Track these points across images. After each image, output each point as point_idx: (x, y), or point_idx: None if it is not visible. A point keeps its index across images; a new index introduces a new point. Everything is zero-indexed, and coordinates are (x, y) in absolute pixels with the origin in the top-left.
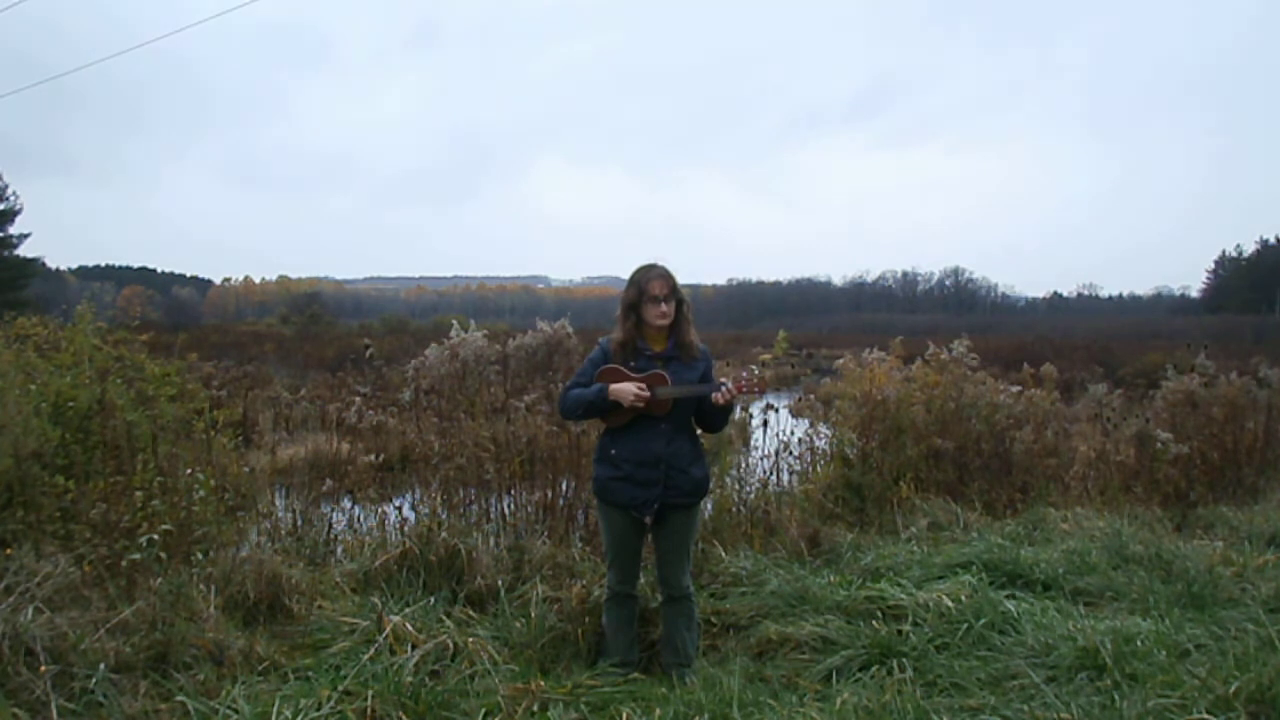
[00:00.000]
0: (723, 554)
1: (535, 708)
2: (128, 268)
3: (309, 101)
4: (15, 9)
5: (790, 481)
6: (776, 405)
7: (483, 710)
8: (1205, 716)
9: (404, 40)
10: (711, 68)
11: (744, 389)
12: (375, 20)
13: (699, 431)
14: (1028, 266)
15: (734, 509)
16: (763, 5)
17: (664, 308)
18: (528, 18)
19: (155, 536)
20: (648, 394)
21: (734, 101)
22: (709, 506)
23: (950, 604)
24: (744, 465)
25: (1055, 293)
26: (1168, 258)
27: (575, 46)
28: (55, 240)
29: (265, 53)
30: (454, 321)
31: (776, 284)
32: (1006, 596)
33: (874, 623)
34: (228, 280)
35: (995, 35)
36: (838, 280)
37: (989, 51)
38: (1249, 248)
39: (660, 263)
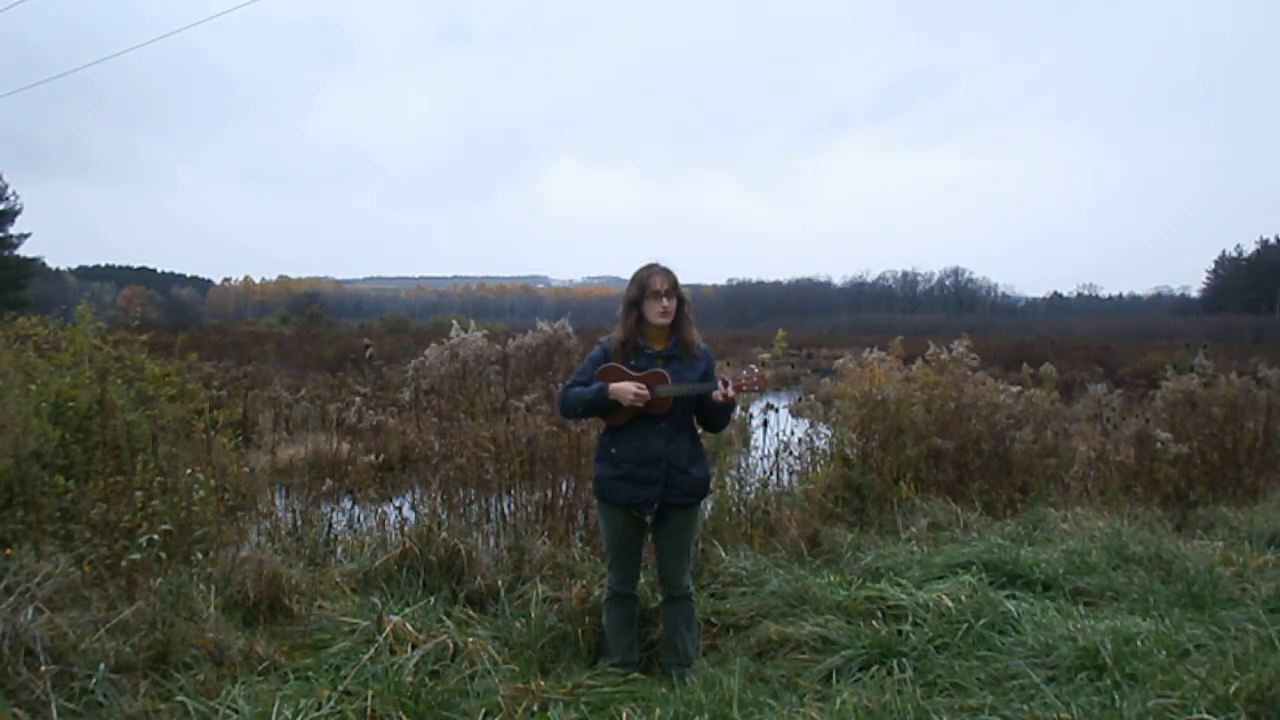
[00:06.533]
0: (723, 554)
1: (535, 708)
2: (128, 268)
3: (331, 100)
4: (29, 6)
5: (790, 481)
6: (776, 405)
7: (483, 710)
8: (1205, 716)
9: (430, 39)
10: (732, 66)
11: (744, 387)
12: (402, 19)
13: (700, 431)
14: (1028, 266)
15: (734, 509)
16: (786, 3)
17: (665, 303)
18: (556, 16)
19: (155, 536)
20: (647, 392)
21: (753, 101)
22: (709, 506)
23: (950, 604)
24: (744, 465)
25: (1055, 293)
26: (1168, 258)
27: (599, 45)
28: (67, 240)
29: (289, 50)
30: (454, 321)
31: (776, 284)
32: (1006, 596)
33: (874, 623)
34: (228, 280)
35: (1014, 36)
36: (838, 280)
37: (1007, 53)
38: (1249, 248)
39: (661, 262)
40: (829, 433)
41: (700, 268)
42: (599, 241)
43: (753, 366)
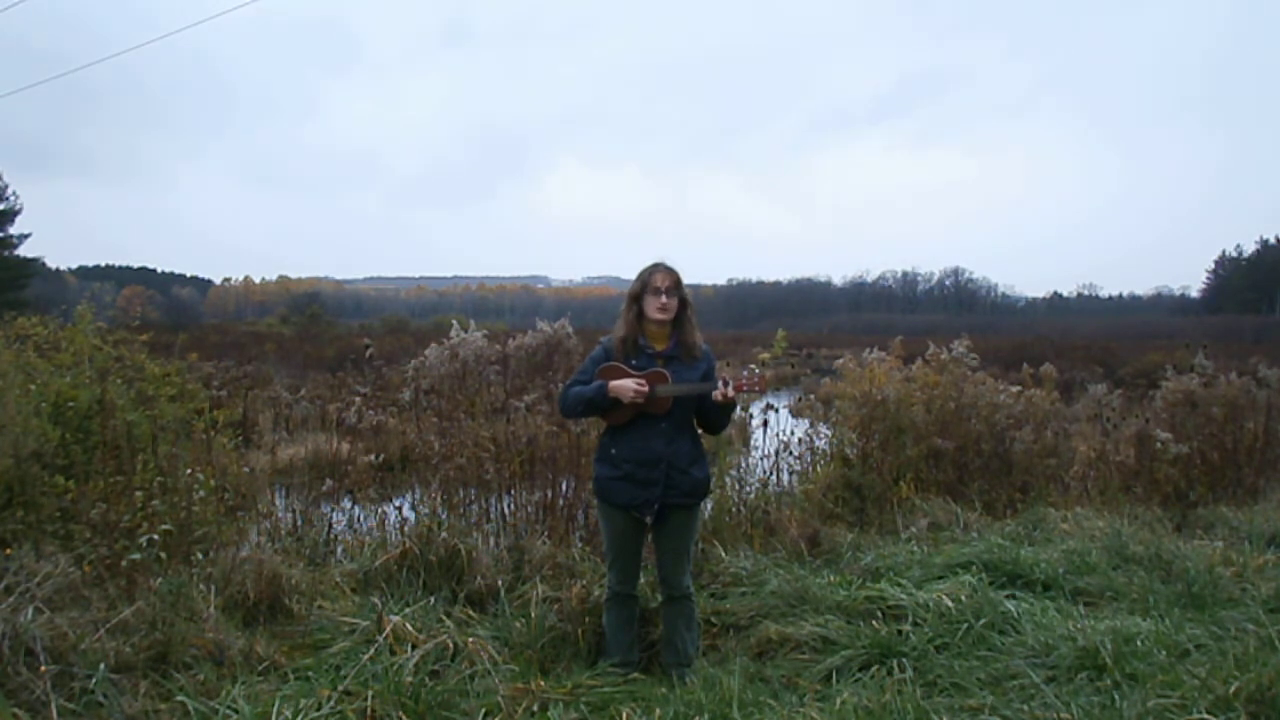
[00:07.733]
0: (723, 554)
1: (535, 708)
2: (128, 268)
3: (336, 101)
4: (29, 5)
5: (790, 481)
6: (776, 405)
7: (483, 710)
8: (1205, 716)
9: (435, 39)
10: (734, 67)
11: (744, 387)
12: (408, 19)
13: (700, 432)
14: (1028, 266)
15: (734, 509)
16: (788, 5)
17: (664, 299)
18: (559, 17)
19: (155, 536)
20: (646, 389)
21: (755, 102)
22: (709, 506)
23: (950, 604)
24: (744, 465)
25: (1055, 293)
26: (1168, 258)
27: (601, 47)
28: (67, 240)
29: (295, 51)
30: (454, 321)
31: (776, 284)
32: (1006, 596)
33: (874, 623)
34: (228, 280)
35: (1016, 39)
36: (838, 280)
37: (1009, 55)
38: (1249, 248)
39: (666, 261)
40: (829, 433)
41: (700, 268)
42: (599, 241)
43: (753, 367)
